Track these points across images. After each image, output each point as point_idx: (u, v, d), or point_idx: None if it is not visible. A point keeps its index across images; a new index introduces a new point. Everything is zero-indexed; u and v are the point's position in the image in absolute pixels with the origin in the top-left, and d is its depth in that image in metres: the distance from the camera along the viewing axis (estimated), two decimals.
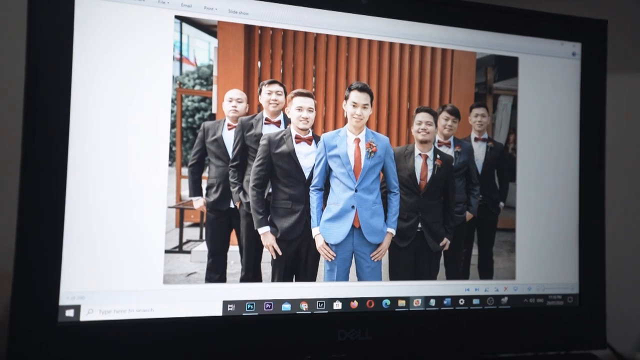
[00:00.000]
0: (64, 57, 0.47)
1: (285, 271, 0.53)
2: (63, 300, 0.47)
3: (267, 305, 0.52)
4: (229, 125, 0.53)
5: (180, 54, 0.51)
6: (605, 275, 0.61)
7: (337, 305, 0.54)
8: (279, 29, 0.53)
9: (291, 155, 0.54)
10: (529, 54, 0.60)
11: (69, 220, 0.46)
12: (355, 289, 0.54)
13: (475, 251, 0.59)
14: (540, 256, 0.60)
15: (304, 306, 0.53)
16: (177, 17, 0.50)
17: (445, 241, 0.57)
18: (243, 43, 0.53)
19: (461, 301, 0.57)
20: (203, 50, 0.52)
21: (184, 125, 0.51)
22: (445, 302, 0.57)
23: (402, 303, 0.55)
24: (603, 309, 0.60)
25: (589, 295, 0.60)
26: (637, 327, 0.72)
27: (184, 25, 0.51)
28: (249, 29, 0.53)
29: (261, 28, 0.53)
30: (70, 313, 0.47)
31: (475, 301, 0.58)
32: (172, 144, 0.50)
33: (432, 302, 0.56)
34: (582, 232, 0.60)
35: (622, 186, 0.74)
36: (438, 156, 0.58)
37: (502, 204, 0.60)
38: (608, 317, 0.61)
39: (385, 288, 0.55)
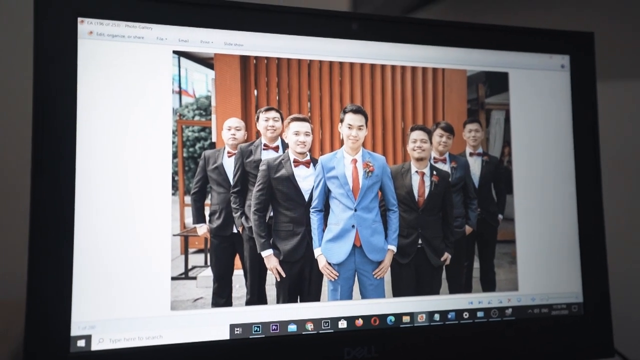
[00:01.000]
0: (68, 94, 0.49)
1: (289, 292, 0.54)
2: (75, 331, 0.48)
3: (274, 327, 0.53)
4: (228, 152, 0.55)
5: (180, 87, 0.53)
6: (608, 282, 0.61)
7: (342, 324, 0.55)
8: (273, 58, 0.55)
9: (290, 179, 0.56)
10: (518, 69, 0.62)
11: (78, 251, 0.48)
12: (359, 307, 0.55)
13: (476, 264, 0.59)
14: (542, 266, 0.60)
15: (310, 326, 0.54)
16: (175, 52, 0.52)
17: (446, 256, 0.58)
18: (239, 73, 0.55)
19: (465, 314, 0.58)
20: (201, 82, 0.54)
21: (185, 155, 0.53)
22: (449, 316, 0.57)
23: (406, 319, 0.56)
24: (608, 315, 0.60)
25: (593, 302, 0.60)
26: None
27: (182, 59, 0.53)
28: (244, 60, 0.55)
29: (256, 58, 0.55)
30: (81, 343, 0.48)
31: (480, 314, 0.58)
32: (175, 173, 0.52)
33: (437, 316, 0.57)
34: (583, 240, 0.61)
35: (619, 191, 0.75)
36: (434, 172, 0.59)
37: (500, 216, 0.60)
38: (615, 323, 0.61)
39: (389, 305, 0.56)
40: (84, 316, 0.48)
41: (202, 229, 0.54)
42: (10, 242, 0.76)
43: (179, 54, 0.53)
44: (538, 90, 0.62)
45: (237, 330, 0.52)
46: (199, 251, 0.53)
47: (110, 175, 0.50)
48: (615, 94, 0.77)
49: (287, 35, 0.55)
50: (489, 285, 0.59)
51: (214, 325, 0.52)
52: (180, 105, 0.53)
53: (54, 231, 0.48)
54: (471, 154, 0.60)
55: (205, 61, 0.54)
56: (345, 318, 0.55)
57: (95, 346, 0.48)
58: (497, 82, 0.61)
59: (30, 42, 0.48)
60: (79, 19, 0.50)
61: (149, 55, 0.52)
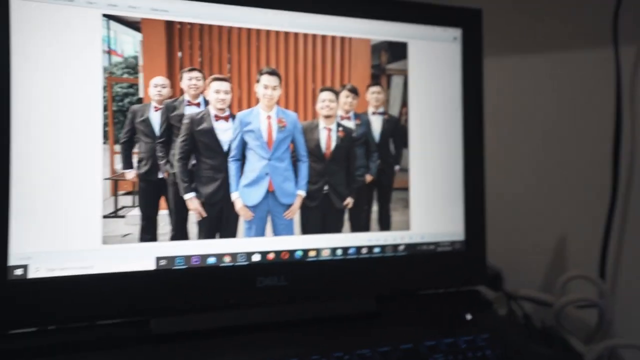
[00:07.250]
0: (2, 57, 0.54)
1: (209, 230, 0.62)
2: (12, 261, 0.54)
3: (195, 260, 0.61)
4: (155, 107, 0.62)
5: (109, 47, 0.59)
6: (485, 223, 0.72)
7: (256, 258, 0.63)
8: (197, 24, 0.62)
9: (211, 132, 0.63)
10: (416, 39, 0.71)
11: (16, 191, 0.54)
12: (271, 243, 0.64)
13: (375, 207, 0.69)
14: (431, 210, 0.70)
15: (227, 259, 0.62)
16: (104, 15, 0.58)
17: (349, 200, 0.67)
18: (165, 36, 0.61)
19: (364, 250, 0.67)
20: (129, 43, 0.60)
21: (114, 108, 0.59)
22: (350, 251, 0.67)
23: (312, 254, 0.65)
24: (484, 252, 0.71)
25: (472, 241, 0.71)
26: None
27: (111, 22, 0.59)
28: (169, 24, 0.61)
29: (180, 23, 0.61)
30: (19, 272, 0.55)
31: (376, 250, 0.68)
32: (105, 125, 0.58)
33: (339, 252, 0.66)
34: (467, 189, 0.71)
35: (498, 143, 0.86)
36: (340, 128, 0.68)
37: (397, 167, 0.70)
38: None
39: (297, 241, 0.65)
40: (21, 248, 0.54)
41: (131, 174, 0.60)
42: None
43: (109, 17, 0.59)
44: (433, 59, 0.71)
45: (162, 262, 0.60)
46: (128, 193, 0.60)
47: (47, 125, 0.55)
48: (500, 65, 0.88)
49: (209, 4, 0.62)
50: (385, 225, 0.68)
51: (141, 258, 0.59)
52: (110, 64, 0.59)
53: None
54: (373, 113, 0.69)
55: (133, 25, 0.60)
56: (259, 252, 0.63)
57: (32, 274, 0.55)
58: (398, 51, 0.70)
59: None
60: None
61: (79, 17, 0.57)
